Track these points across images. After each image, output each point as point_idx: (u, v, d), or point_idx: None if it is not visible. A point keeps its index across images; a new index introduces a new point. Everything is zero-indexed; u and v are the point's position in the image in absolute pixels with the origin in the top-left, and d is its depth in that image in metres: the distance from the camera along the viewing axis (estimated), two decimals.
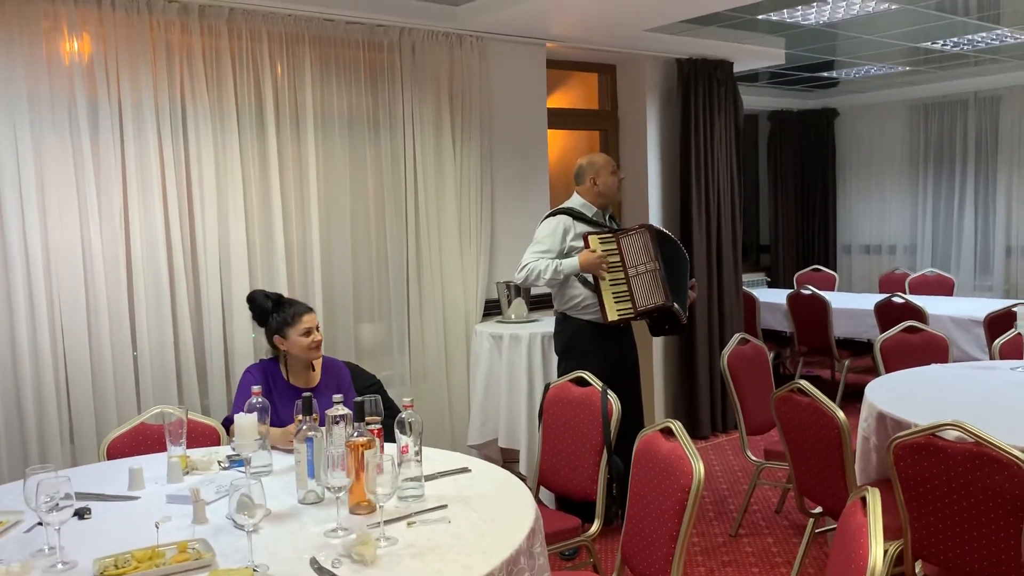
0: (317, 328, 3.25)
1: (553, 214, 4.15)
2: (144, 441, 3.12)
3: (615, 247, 3.97)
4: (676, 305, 3.96)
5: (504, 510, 2.29)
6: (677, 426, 2.57)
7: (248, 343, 4.13)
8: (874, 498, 1.87)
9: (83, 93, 3.70)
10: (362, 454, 2.25)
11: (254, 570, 1.86)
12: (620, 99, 6.10)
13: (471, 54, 4.82)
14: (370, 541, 1.99)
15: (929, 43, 6.56)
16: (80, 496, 2.40)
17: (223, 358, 4.10)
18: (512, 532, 2.10)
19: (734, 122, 6.08)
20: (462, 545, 2.04)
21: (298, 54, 4.24)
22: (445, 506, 2.32)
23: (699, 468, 2.38)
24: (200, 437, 3.17)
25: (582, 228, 4.04)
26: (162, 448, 3.05)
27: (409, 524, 2.20)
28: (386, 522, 2.15)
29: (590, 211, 4.12)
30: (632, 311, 3.93)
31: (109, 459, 3.03)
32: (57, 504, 2.02)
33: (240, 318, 4.11)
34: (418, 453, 2.41)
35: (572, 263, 3.96)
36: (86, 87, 3.72)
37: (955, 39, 6.43)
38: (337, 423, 2.42)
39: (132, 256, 3.85)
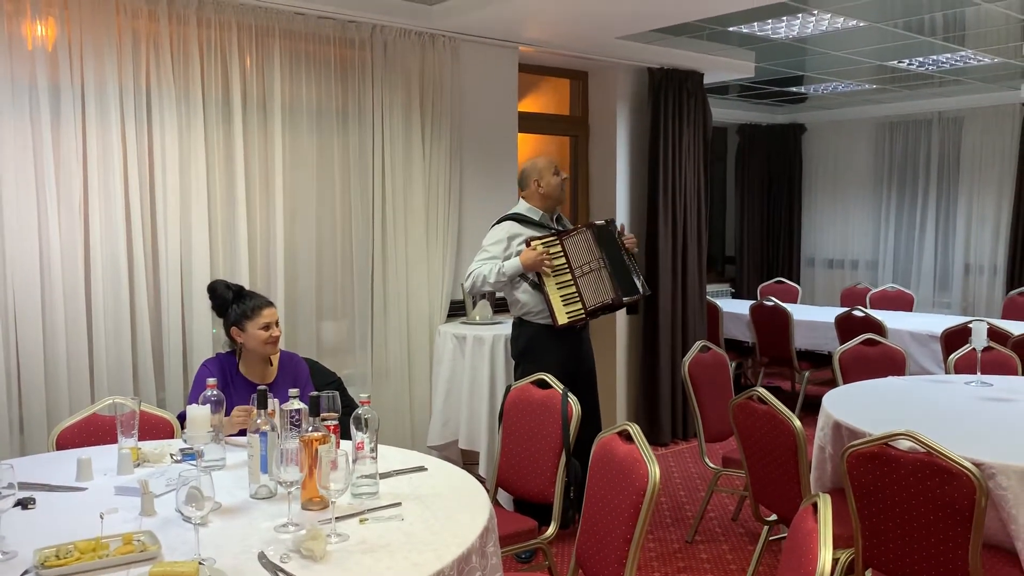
0: (276, 324, 3.22)
1: (500, 221, 4.18)
2: (95, 432, 3.06)
3: (560, 249, 3.98)
4: (625, 298, 3.99)
5: (458, 509, 2.28)
6: (635, 429, 2.57)
7: (207, 336, 4.07)
8: (825, 504, 1.88)
9: (45, 77, 3.63)
10: (316, 449, 2.22)
11: (200, 563, 1.83)
12: (591, 106, 6.12)
13: (443, 54, 4.81)
14: (320, 536, 1.96)
15: (896, 62, 6.67)
16: (24, 486, 2.34)
17: (181, 351, 4.04)
18: (465, 530, 2.08)
19: (703, 133, 6.12)
20: (414, 543, 2.03)
21: (267, 46, 4.20)
22: (399, 504, 2.30)
23: (655, 471, 2.38)
24: (153, 430, 3.12)
25: (528, 232, 4.06)
26: (114, 440, 2.99)
27: (361, 521, 2.17)
28: (338, 518, 2.13)
29: (536, 215, 4.14)
30: (582, 312, 3.94)
31: (59, 450, 2.97)
32: None
33: (200, 310, 4.05)
34: (373, 450, 2.38)
35: (514, 263, 3.97)
36: (48, 71, 3.64)
37: (921, 59, 6.54)
38: (292, 417, 2.40)
39: (90, 243, 3.78)
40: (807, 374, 6.71)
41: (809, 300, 9.18)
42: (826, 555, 1.75)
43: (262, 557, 1.94)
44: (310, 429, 2.28)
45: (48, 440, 3.38)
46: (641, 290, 4.11)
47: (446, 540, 2.03)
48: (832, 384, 7.38)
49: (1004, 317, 6.91)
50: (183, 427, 3.14)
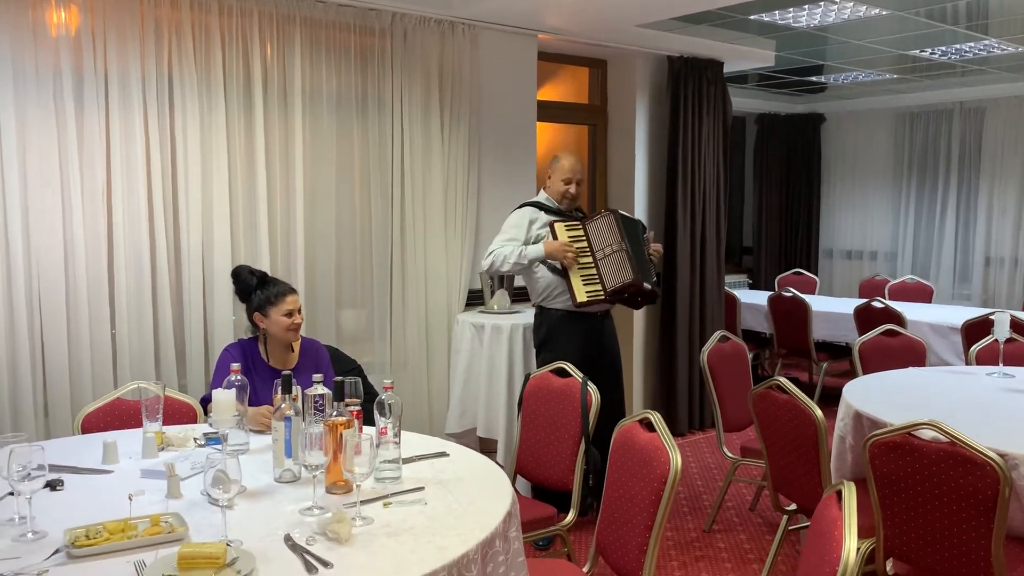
0: (299, 311, 3.24)
1: (521, 206, 4.21)
2: (120, 416, 3.09)
3: (582, 233, 3.99)
4: (646, 282, 3.93)
5: (481, 494, 2.29)
6: (656, 417, 2.58)
7: (228, 322, 4.10)
8: (849, 492, 1.88)
9: (69, 64, 3.66)
10: (340, 434, 2.23)
11: (228, 545, 1.85)
12: (610, 94, 6.10)
13: (463, 42, 4.80)
14: (345, 520, 1.98)
15: (918, 51, 6.61)
16: (53, 468, 2.37)
17: (202, 336, 4.07)
18: (488, 515, 2.10)
19: (722, 122, 6.09)
20: (437, 527, 2.04)
21: (288, 34, 4.21)
22: (422, 488, 2.31)
23: (676, 459, 2.39)
24: (177, 414, 3.15)
25: (549, 218, 4.06)
26: (138, 424, 3.02)
27: (385, 504, 2.19)
28: (362, 502, 2.14)
29: (554, 204, 4.16)
30: (602, 292, 3.92)
31: (84, 433, 3.00)
32: (29, 474, 2.00)
33: (221, 296, 4.08)
34: (396, 435, 2.40)
35: (537, 249, 3.99)
36: (72, 59, 3.67)
37: (943, 48, 6.48)
38: (316, 402, 2.41)
39: (114, 230, 3.81)
40: (825, 365, 6.68)
41: (827, 291, 9.13)
42: (851, 543, 1.75)
43: (288, 539, 1.96)
44: (334, 414, 2.30)
45: (73, 424, 3.43)
46: (657, 291, 4.06)
47: (470, 524, 2.04)
48: (850, 375, 7.35)
49: None
50: (206, 412, 3.19)
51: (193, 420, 3.18)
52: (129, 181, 3.83)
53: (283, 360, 3.30)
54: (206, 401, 3.21)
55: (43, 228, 3.64)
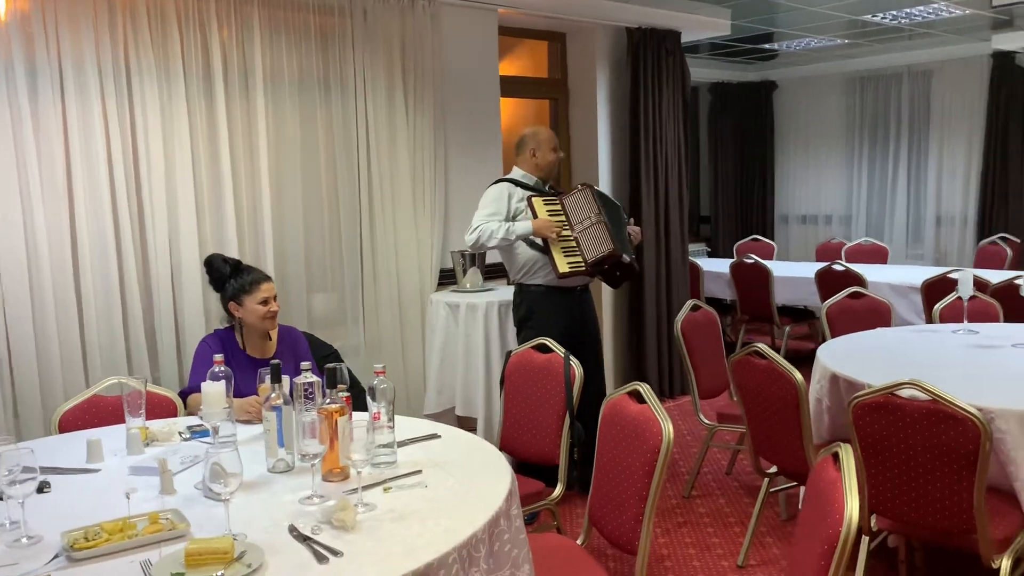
0: (275, 298, 3.19)
1: (496, 183, 4.20)
2: (98, 413, 3.03)
3: (559, 208, 4.02)
4: (625, 254, 3.94)
5: (479, 473, 2.29)
6: (645, 388, 2.60)
7: (199, 313, 4.03)
8: (847, 453, 1.92)
9: (21, 54, 3.53)
10: (335, 421, 2.22)
11: (233, 539, 1.83)
12: (570, 68, 6.09)
13: (423, 19, 4.74)
14: (349, 507, 1.97)
15: (868, 15, 6.70)
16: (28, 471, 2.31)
17: (173, 328, 4.00)
18: (491, 495, 2.10)
19: (682, 92, 6.12)
20: (442, 509, 2.04)
21: (246, 16, 4.12)
22: (419, 471, 2.31)
23: (668, 429, 2.42)
24: (156, 408, 3.09)
25: (525, 193, 4.07)
26: (116, 420, 2.98)
27: (385, 490, 2.18)
28: (362, 488, 2.13)
29: (531, 180, 4.16)
30: (582, 263, 3.93)
31: (61, 432, 2.93)
32: (17, 478, 1.95)
33: (190, 287, 4.01)
34: (390, 420, 2.39)
35: (525, 225, 3.98)
36: (24, 48, 3.54)
37: (893, 12, 6.57)
38: (307, 391, 2.39)
39: (77, 223, 3.71)
40: (788, 329, 6.81)
41: (784, 256, 9.28)
42: (852, 503, 1.79)
43: (292, 530, 1.94)
44: (328, 401, 2.28)
45: (46, 423, 3.36)
46: (635, 265, 4.06)
47: (474, 505, 2.05)
48: (811, 339, 7.53)
49: (976, 266, 7.06)
50: (186, 405, 3.14)
51: (173, 414, 3.13)
52: (90, 173, 3.72)
53: (261, 349, 3.26)
54: (186, 393, 3.16)
55: (3, 225, 3.53)
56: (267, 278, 3.20)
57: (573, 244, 3.96)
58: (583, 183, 4.15)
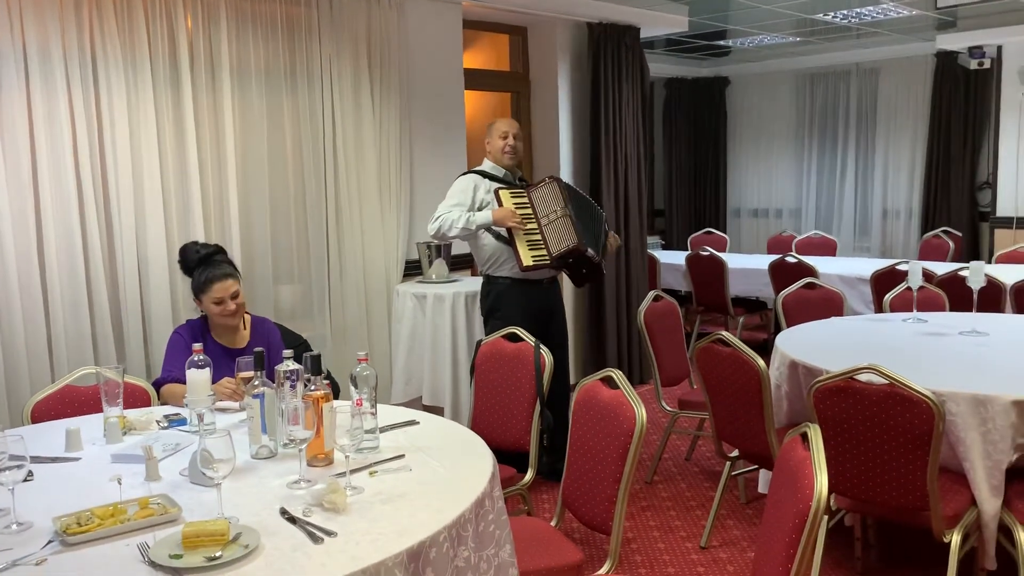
0: (235, 296, 3.14)
1: (464, 174, 4.27)
2: (71, 403, 3.02)
3: (526, 200, 4.06)
4: (590, 249, 3.99)
5: (461, 457, 2.36)
6: (618, 375, 2.69)
7: (166, 303, 4.02)
8: (815, 433, 2.03)
9: None
10: (320, 408, 2.26)
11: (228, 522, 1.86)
12: (531, 61, 6.16)
13: (388, 11, 4.77)
14: (340, 490, 2.02)
15: (820, 15, 6.89)
16: (15, 459, 2.31)
17: (140, 319, 3.98)
18: (475, 477, 2.17)
19: (640, 87, 6.24)
20: (429, 491, 2.10)
21: (213, 5, 4.10)
22: (402, 456, 2.36)
23: (642, 413, 2.51)
24: (130, 398, 3.07)
25: (493, 184, 4.13)
26: (90, 410, 2.98)
27: (371, 474, 2.23)
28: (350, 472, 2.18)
29: (499, 172, 4.22)
30: (547, 257, 3.98)
31: (34, 423, 2.92)
32: (6, 464, 1.96)
33: (157, 278, 3.99)
34: (373, 406, 2.44)
35: (485, 215, 4.04)
36: None
37: (844, 12, 6.77)
38: (289, 378, 2.42)
39: (42, 213, 3.67)
40: (742, 319, 6.99)
41: (736, 249, 9.49)
42: (822, 479, 1.89)
43: (284, 512, 1.99)
44: (313, 388, 2.32)
45: (14, 413, 3.34)
46: (602, 265, 4.14)
47: (459, 486, 2.11)
48: (763, 329, 7.72)
49: (921, 258, 7.31)
50: (159, 395, 3.15)
51: (147, 403, 3.13)
52: (56, 162, 3.69)
53: (232, 339, 3.27)
54: (160, 383, 3.16)
55: None
56: (224, 276, 3.11)
57: (538, 238, 4.01)
58: (551, 176, 4.21)
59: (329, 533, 1.86)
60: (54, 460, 2.44)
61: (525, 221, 4.00)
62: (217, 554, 1.75)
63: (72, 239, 3.75)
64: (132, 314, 3.95)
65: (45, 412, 2.97)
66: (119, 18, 3.81)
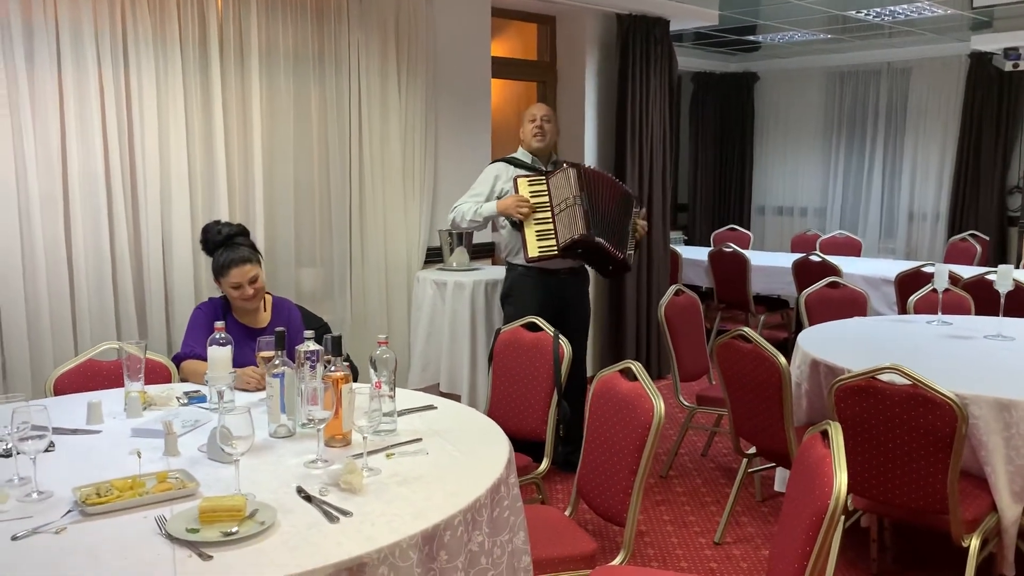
0: (253, 280, 3.13)
1: (493, 162, 4.27)
2: (93, 377, 3.05)
3: (544, 188, 3.97)
4: (599, 238, 3.87)
5: (478, 442, 2.36)
6: (637, 367, 2.68)
7: (188, 282, 4.05)
8: (836, 430, 2.01)
9: (19, 18, 3.51)
10: (340, 388, 2.27)
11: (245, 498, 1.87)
12: (559, 51, 6.14)
13: None
14: (357, 471, 2.02)
15: (852, 12, 6.81)
16: (38, 429, 2.34)
17: (163, 297, 4.01)
18: (491, 462, 2.17)
19: (668, 80, 6.20)
20: (445, 474, 2.11)
21: None
22: (420, 440, 2.37)
23: (660, 405, 2.50)
24: (150, 374, 3.10)
25: (517, 172, 4.11)
26: (111, 385, 3.01)
27: (388, 456, 2.24)
28: (367, 454, 2.18)
29: (527, 158, 4.22)
30: (555, 247, 3.88)
31: (56, 395, 2.95)
32: (28, 434, 1.99)
33: (180, 257, 4.02)
34: (391, 389, 2.45)
35: (490, 206, 4.05)
36: (22, 11, 3.52)
37: (877, 9, 6.69)
38: (309, 359, 2.43)
39: (69, 189, 3.71)
40: (763, 317, 6.94)
41: (760, 246, 9.42)
42: (842, 477, 1.87)
43: (300, 491, 1.99)
44: (333, 368, 2.33)
45: (35, 386, 3.37)
46: (623, 254, 4.01)
47: (475, 471, 2.11)
48: (784, 327, 7.67)
49: (947, 261, 7.22)
50: (179, 371, 3.17)
51: (167, 379, 3.15)
52: (85, 141, 3.72)
53: (253, 318, 3.28)
54: (180, 359, 3.18)
55: None
56: (242, 262, 3.09)
57: (550, 227, 3.90)
58: (570, 162, 4.08)
59: (345, 513, 1.86)
60: (75, 432, 2.47)
61: (538, 209, 3.93)
62: (234, 529, 1.76)
63: (98, 217, 3.78)
64: (155, 292, 3.99)
65: (68, 385, 3.01)
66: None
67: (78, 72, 3.67)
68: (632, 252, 4.08)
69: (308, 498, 1.96)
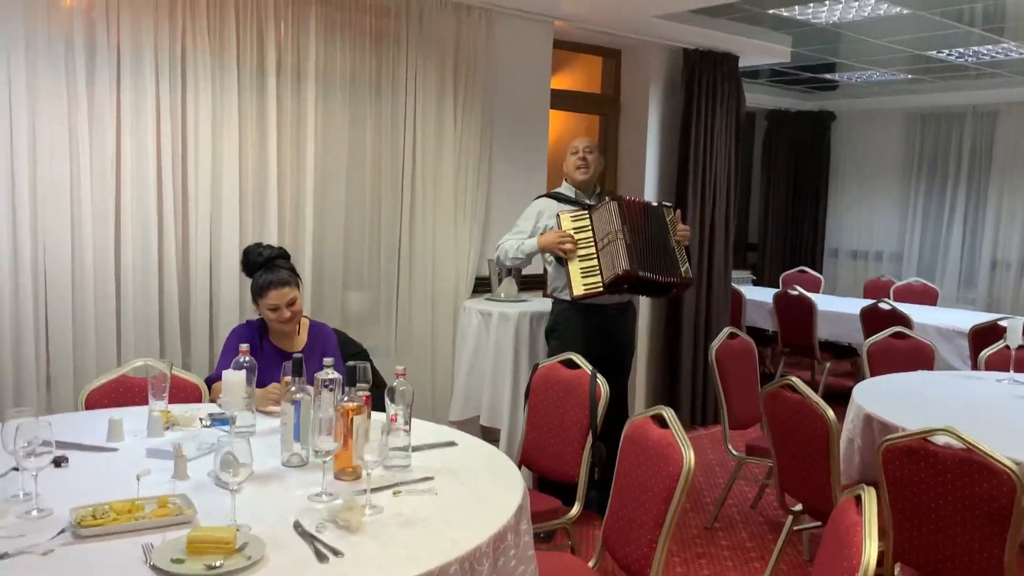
0: (291, 303, 3.10)
1: (537, 198, 4.23)
2: (124, 394, 3.06)
3: (587, 223, 3.88)
4: (643, 271, 3.72)
5: (491, 485, 2.26)
6: (669, 413, 2.55)
7: (234, 302, 4.06)
8: (870, 497, 1.85)
9: (81, 36, 3.60)
10: (351, 420, 2.20)
11: (237, 529, 1.82)
12: (623, 85, 6.05)
13: (478, 26, 4.75)
14: (356, 508, 1.95)
15: (934, 52, 6.55)
16: (58, 444, 2.33)
17: (208, 315, 4.03)
18: (500, 508, 2.07)
19: (735, 117, 6.05)
20: (449, 518, 2.01)
21: (303, 14, 4.16)
22: (431, 478, 2.28)
23: (690, 456, 2.36)
24: (182, 393, 3.12)
25: (560, 207, 4.04)
26: (142, 402, 2.99)
27: (395, 493, 2.16)
28: (372, 490, 2.11)
29: (571, 192, 4.15)
30: (600, 283, 3.76)
31: (87, 410, 2.97)
32: (35, 450, 1.97)
33: (227, 276, 4.04)
34: (407, 423, 2.37)
35: (532, 243, 4.00)
36: (85, 30, 3.61)
37: (960, 49, 6.42)
38: (327, 386, 2.38)
39: (122, 205, 3.77)
40: (828, 365, 6.66)
41: (831, 290, 9.10)
42: (871, 549, 1.72)
43: (297, 526, 1.93)
44: (345, 399, 2.26)
45: (77, 400, 3.40)
46: (677, 276, 3.88)
47: (482, 516, 2.01)
48: (852, 376, 7.36)
49: None
50: (210, 391, 3.16)
51: (198, 399, 3.15)
52: (139, 156, 3.78)
53: (289, 342, 3.26)
54: (211, 381, 3.18)
55: (51, 200, 3.59)
56: (281, 284, 3.07)
57: (595, 263, 3.79)
58: (611, 195, 3.99)
59: (336, 552, 1.79)
60: (92, 449, 2.46)
61: (582, 245, 3.83)
62: (218, 563, 1.70)
63: (148, 232, 3.83)
64: (200, 309, 4.01)
65: (98, 400, 3.02)
66: (211, 20, 3.89)
67: (136, 91, 3.74)
68: (686, 265, 3.93)
69: (304, 534, 1.89)
